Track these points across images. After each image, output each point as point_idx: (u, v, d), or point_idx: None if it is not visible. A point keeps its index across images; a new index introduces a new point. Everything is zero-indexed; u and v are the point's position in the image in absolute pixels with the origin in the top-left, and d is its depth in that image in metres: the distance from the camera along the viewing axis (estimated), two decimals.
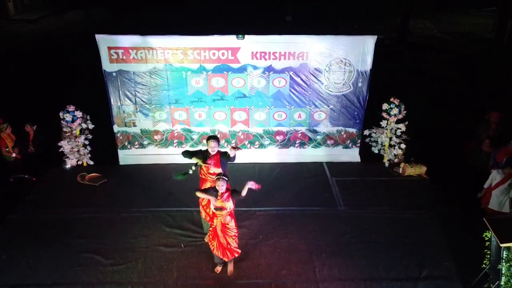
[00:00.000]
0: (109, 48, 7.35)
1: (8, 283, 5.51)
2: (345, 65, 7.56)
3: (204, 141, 7.85)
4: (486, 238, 5.19)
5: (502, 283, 4.86)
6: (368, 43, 7.42)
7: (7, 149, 7.89)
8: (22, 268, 5.77)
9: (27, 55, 17.49)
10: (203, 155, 5.78)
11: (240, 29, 7.66)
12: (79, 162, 8.22)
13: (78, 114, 7.79)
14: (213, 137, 5.76)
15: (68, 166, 8.09)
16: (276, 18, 22.15)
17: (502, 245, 4.67)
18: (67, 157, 8.05)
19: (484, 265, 5.32)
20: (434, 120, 10.10)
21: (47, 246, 6.16)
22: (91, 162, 8.20)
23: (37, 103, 10.46)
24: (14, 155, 7.82)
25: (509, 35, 22.68)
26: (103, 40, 7.29)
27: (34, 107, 10.05)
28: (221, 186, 5.15)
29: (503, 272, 4.81)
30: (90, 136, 8.04)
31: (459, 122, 9.87)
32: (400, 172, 7.93)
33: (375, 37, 7.48)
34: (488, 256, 5.21)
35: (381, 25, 24.53)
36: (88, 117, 7.98)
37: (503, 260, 4.77)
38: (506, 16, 22.05)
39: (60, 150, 7.98)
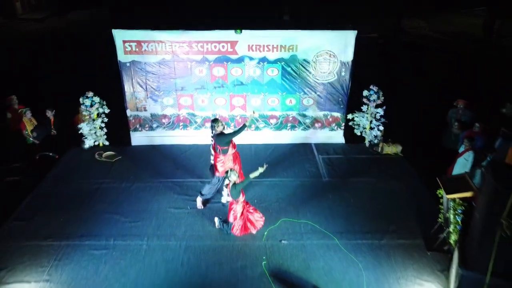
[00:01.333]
0: (124, 42, 8.54)
1: (43, 235, 6.68)
2: (330, 56, 8.75)
3: (207, 124, 9.12)
4: (440, 195, 6.35)
5: (450, 229, 6.02)
6: (349, 36, 8.60)
7: (26, 132, 9.10)
8: (55, 226, 6.93)
9: (40, 50, 18.72)
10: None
11: (239, 26, 8.79)
12: (96, 143, 9.39)
13: (96, 99, 8.98)
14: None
15: (86, 146, 9.27)
16: (274, 18, 23.26)
17: (448, 196, 5.84)
18: (86, 138, 9.23)
19: (439, 219, 6.50)
20: (412, 106, 11.26)
21: (74, 209, 7.31)
22: (107, 143, 9.38)
23: (58, 91, 11.66)
24: (32, 138, 9.01)
25: (497, 35, 23.76)
26: (119, 34, 8.48)
27: (55, 95, 11.25)
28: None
29: (450, 220, 5.98)
30: (106, 119, 9.22)
31: (435, 109, 11.03)
32: (379, 151, 9.10)
33: (355, 31, 8.62)
34: (442, 210, 6.38)
35: (378, 25, 25.64)
36: (105, 102, 9.16)
37: (450, 210, 5.93)
38: (494, 15, 23.11)
39: (79, 132, 9.17)
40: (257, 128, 9.48)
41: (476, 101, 9.71)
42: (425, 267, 6.07)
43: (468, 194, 5.64)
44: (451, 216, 5.90)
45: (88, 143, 9.27)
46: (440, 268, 6.02)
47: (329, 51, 8.69)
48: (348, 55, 8.76)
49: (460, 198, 5.85)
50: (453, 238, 5.99)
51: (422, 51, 21.66)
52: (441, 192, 6.27)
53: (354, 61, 8.87)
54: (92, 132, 9.24)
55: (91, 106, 8.94)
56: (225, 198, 7.37)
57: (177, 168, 8.60)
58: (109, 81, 9.92)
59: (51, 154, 9.03)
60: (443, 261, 6.11)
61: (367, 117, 9.22)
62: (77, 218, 7.10)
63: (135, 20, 24.43)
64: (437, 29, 26.75)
